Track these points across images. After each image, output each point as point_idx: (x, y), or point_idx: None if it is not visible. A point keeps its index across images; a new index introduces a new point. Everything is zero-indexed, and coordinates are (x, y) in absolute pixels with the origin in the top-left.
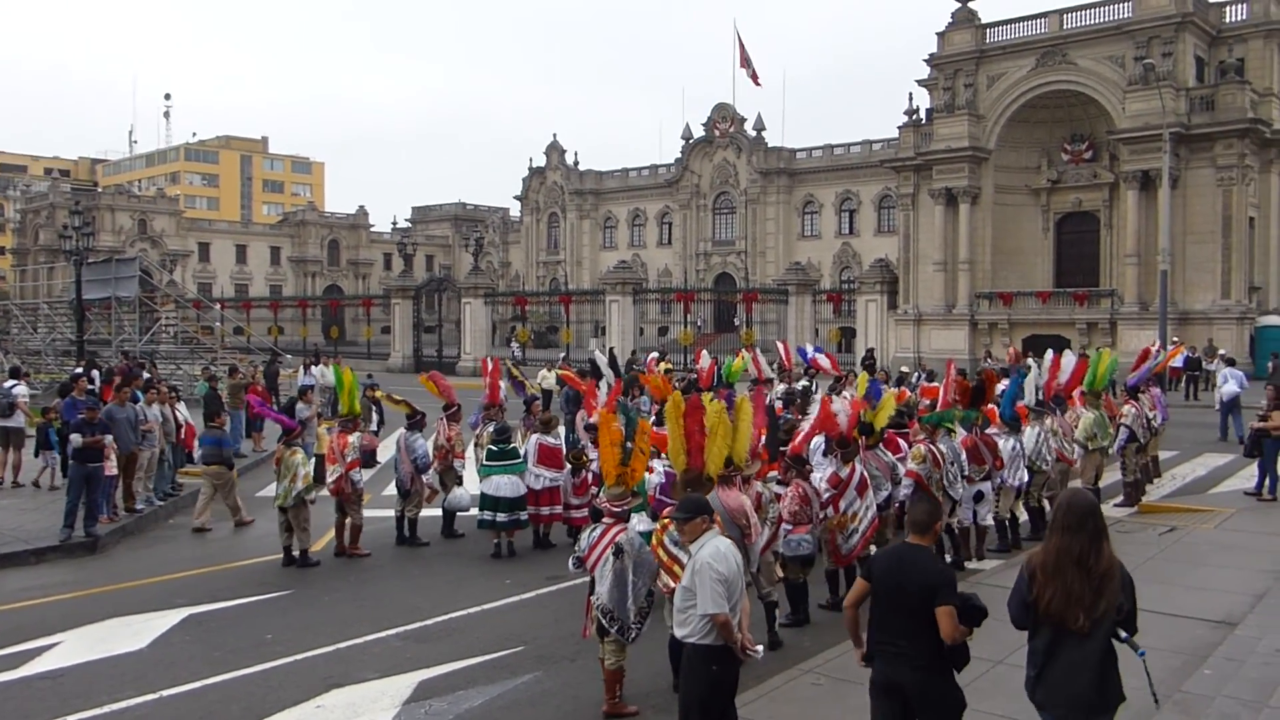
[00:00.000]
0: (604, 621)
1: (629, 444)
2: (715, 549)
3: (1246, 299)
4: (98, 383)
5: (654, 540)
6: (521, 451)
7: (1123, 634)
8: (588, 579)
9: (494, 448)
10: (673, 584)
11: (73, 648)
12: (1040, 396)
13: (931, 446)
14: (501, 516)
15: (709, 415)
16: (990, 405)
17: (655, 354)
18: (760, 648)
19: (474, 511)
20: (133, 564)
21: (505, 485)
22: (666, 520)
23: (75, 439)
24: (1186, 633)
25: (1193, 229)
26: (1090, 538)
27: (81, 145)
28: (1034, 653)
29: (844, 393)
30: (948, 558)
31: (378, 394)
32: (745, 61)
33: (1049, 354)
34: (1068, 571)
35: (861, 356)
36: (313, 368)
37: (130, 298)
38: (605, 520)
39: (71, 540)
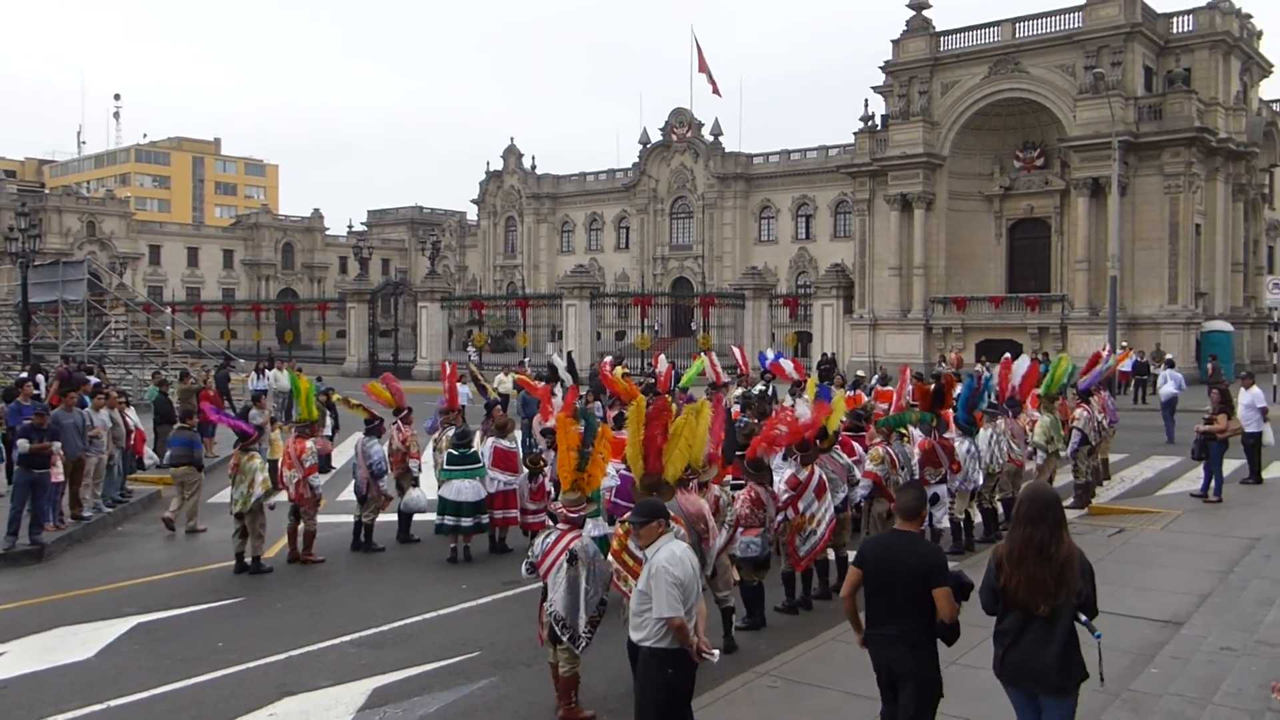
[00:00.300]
0: (556, 629)
1: (587, 449)
2: (671, 553)
3: (1193, 304)
4: (43, 388)
5: (616, 545)
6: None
7: (1083, 618)
8: (542, 584)
9: (454, 451)
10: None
11: (18, 658)
12: (993, 399)
13: (888, 449)
14: (465, 521)
15: (674, 421)
16: (947, 409)
17: (610, 357)
18: (716, 651)
19: (431, 515)
20: (80, 572)
21: (467, 489)
22: (629, 525)
23: (22, 444)
24: (1135, 632)
25: (1141, 236)
26: (1051, 528)
27: (28, 146)
28: (1002, 634)
29: (803, 397)
30: None
31: (335, 397)
32: (704, 68)
33: (1006, 358)
34: (1031, 561)
35: (818, 361)
36: (267, 372)
37: (78, 301)
38: (559, 526)
39: (16, 548)
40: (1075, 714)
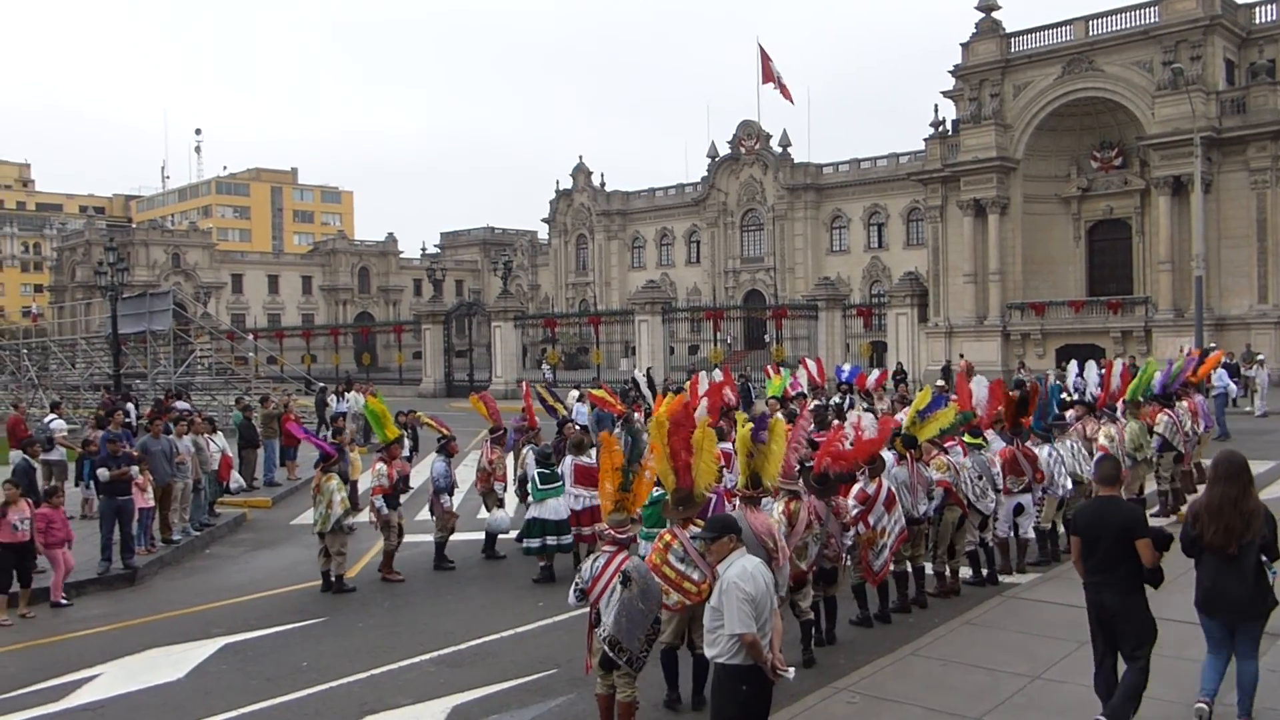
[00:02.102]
0: (612, 654)
1: (631, 468)
2: (742, 568)
3: None
4: (133, 416)
5: (655, 559)
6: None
7: (1264, 559)
8: (592, 610)
9: (543, 471)
10: (688, 601)
11: (113, 679)
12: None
13: (948, 456)
14: (552, 540)
15: (695, 433)
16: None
17: (702, 373)
18: (792, 669)
19: (512, 534)
20: (170, 594)
21: (561, 508)
22: (669, 537)
23: (102, 473)
24: None
25: (1227, 233)
26: (1244, 486)
27: (115, 182)
28: (1201, 574)
29: (873, 408)
30: (984, 572)
31: (419, 415)
32: (773, 78)
33: (1072, 364)
34: (1227, 511)
35: (892, 371)
36: (346, 395)
37: (165, 331)
38: (607, 549)
39: (110, 573)
40: (1263, 635)
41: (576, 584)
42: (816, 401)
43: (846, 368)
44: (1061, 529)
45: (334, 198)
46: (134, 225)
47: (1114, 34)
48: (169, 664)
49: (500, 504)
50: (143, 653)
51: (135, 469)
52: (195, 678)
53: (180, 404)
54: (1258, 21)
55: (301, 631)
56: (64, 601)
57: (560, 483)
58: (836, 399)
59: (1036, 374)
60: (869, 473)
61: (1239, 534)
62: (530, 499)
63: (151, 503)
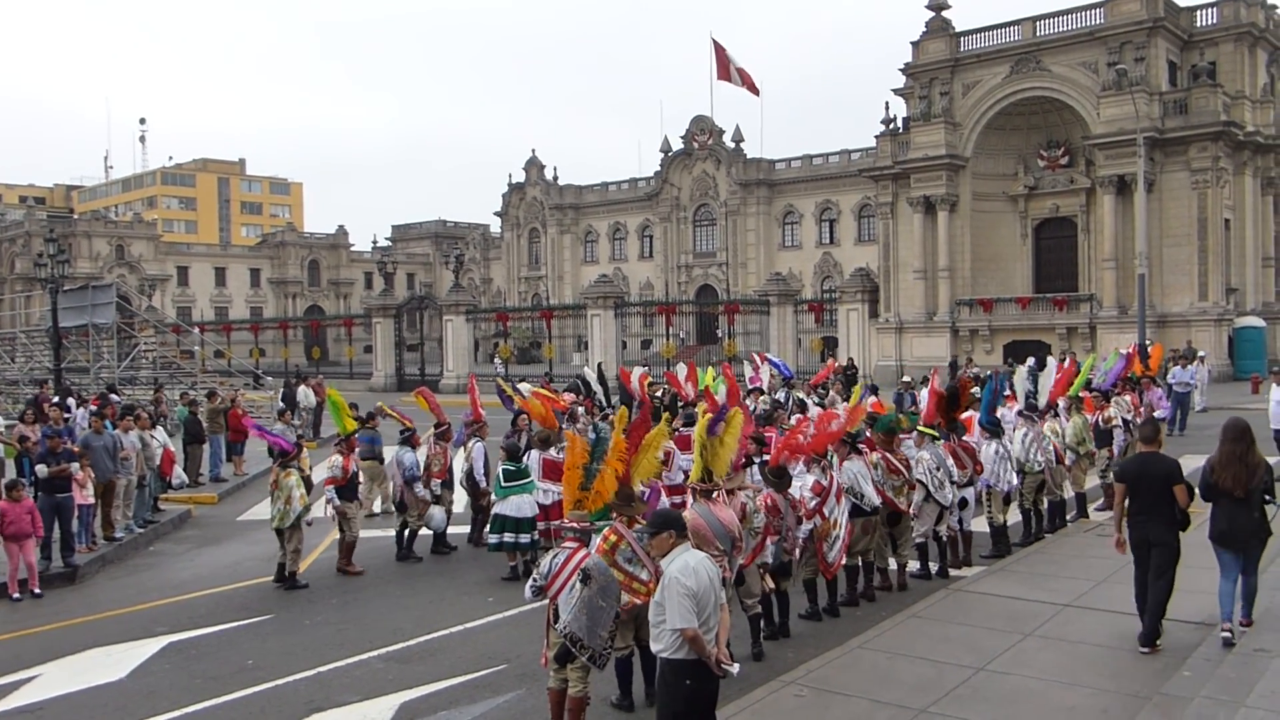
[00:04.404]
0: (573, 649)
1: (594, 467)
2: (684, 564)
3: (1224, 300)
4: (74, 411)
5: (605, 561)
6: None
7: (1268, 498)
8: (550, 606)
9: (510, 467)
10: (637, 601)
11: (52, 680)
12: (1030, 401)
13: (885, 454)
14: (524, 537)
15: (649, 433)
16: (963, 413)
17: (644, 369)
18: (736, 664)
19: (456, 529)
20: (113, 593)
21: (526, 505)
22: (615, 536)
23: (40, 469)
24: (1167, 635)
25: (1169, 232)
26: (1248, 444)
27: (56, 172)
28: (1215, 513)
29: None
30: (933, 566)
31: (382, 406)
32: (729, 73)
33: (1029, 361)
34: (1234, 464)
35: (844, 366)
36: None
37: (108, 324)
38: (567, 545)
39: (50, 571)
40: (1261, 560)
41: (534, 580)
42: (764, 397)
43: (780, 362)
44: (1008, 521)
45: (283, 189)
46: (76, 216)
47: (1060, 35)
48: (110, 664)
49: (437, 500)
50: (83, 652)
51: (75, 465)
52: (137, 677)
53: (113, 398)
54: (1199, 24)
55: (247, 629)
56: (37, 592)
57: (526, 479)
58: (781, 395)
59: (982, 369)
60: (823, 466)
61: (1245, 482)
62: (493, 495)
63: (91, 499)
